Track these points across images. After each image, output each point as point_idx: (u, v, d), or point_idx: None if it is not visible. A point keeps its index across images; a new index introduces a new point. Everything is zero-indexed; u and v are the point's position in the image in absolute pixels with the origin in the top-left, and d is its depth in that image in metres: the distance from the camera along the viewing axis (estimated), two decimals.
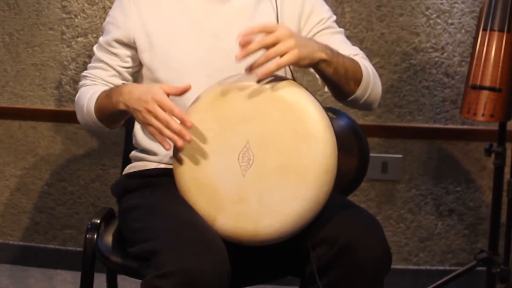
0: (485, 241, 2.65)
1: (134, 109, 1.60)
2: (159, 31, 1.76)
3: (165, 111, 1.55)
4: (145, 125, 1.59)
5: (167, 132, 1.55)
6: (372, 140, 2.61)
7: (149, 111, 1.56)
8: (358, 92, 1.69)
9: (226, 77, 1.59)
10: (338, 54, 1.64)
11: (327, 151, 1.50)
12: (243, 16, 1.77)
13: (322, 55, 1.58)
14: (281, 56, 1.52)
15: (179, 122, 1.55)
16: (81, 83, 1.84)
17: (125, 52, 1.79)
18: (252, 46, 1.51)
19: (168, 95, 1.58)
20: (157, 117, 1.56)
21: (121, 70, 1.80)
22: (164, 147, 1.57)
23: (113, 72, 1.80)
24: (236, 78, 1.58)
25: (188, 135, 1.54)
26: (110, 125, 1.78)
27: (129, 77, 1.82)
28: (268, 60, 1.51)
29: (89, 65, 1.85)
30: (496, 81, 2.20)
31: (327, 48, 1.61)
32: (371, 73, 1.73)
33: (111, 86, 1.79)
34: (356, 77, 1.67)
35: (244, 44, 1.52)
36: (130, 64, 1.80)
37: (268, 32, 1.52)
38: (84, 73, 1.85)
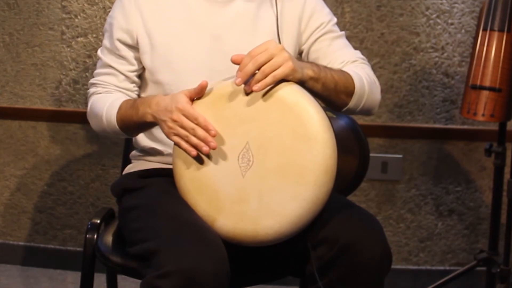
0: (485, 241, 2.65)
1: (161, 120, 1.60)
2: (160, 33, 1.76)
3: (189, 119, 1.56)
4: (171, 135, 1.59)
5: (193, 139, 1.56)
6: (372, 140, 2.61)
7: (174, 121, 1.57)
8: (351, 103, 1.70)
9: (226, 77, 1.59)
10: (326, 69, 1.65)
11: (327, 152, 1.50)
12: (244, 19, 1.77)
13: (309, 72, 1.59)
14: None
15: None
16: (92, 90, 1.83)
17: (130, 53, 1.79)
18: (249, 68, 1.52)
19: (192, 100, 1.58)
20: (182, 126, 1.56)
21: (130, 74, 1.80)
22: (189, 153, 1.57)
23: (123, 77, 1.80)
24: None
25: (213, 142, 1.55)
26: (132, 134, 1.79)
27: (137, 80, 1.82)
28: (265, 75, 1.52)
29: (96, 71, 1.84)
30: (496, 81, 2.20)
31: (313, 65, 1.62)
32: (365, 82, 1.72)
33: (124, 91, 1.79)
34: (348, 89, 1.68)
35: (237, 62, 1.54)
36: (136, 67, 1.80)
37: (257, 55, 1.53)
38: (92, 81, 1.83)
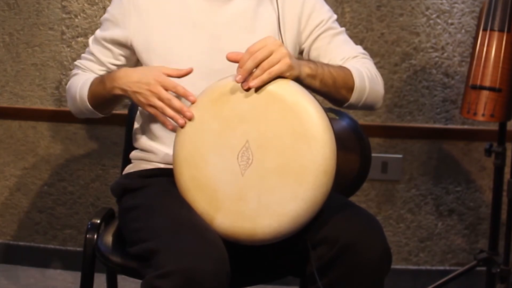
0: (485, 241, 2.65)
1: (134, 92, 1.63)
2: (159, 31, 1.76)
3: (167, 90, 1.60)
4: (146, 106, 1.62)
5: (169, 111, 1.59)
6: (372, 140, 2.61)
7: (152, 92, 1.60)
8: (352, 99, 1.70)
9: (226, 76, 1.59)
10: (323, 65, 1.66)
11: (326, 152, 1.50)
12: (244, 17, 1.77)
13: (306, 69, 1.60)
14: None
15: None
16: (73, 72, 1.86)
17: (119, 51, 1.80)
18: (248, 65, 1.52)
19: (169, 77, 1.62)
20: (160, 97, 1.60)
21: (112, 67, 1.81)
22: (166, 127, 1.61)
23: (104, 68, 1.82)
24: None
25: (189, 112, 1.57)
26: (103, 111, 1.81)
27: None
28: (263, 72, 1.53)
29: (83, 55, 1.87)
30: (496, 81, 2.20)
31: (309, 63, 1.63)
32: (366, 77, 1.72)
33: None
34: (348, 84, 1.68)
35: (233, 59, 1.55)
36: (122, 62, 1.82)
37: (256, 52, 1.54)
38: (76, 62, 1.87)
